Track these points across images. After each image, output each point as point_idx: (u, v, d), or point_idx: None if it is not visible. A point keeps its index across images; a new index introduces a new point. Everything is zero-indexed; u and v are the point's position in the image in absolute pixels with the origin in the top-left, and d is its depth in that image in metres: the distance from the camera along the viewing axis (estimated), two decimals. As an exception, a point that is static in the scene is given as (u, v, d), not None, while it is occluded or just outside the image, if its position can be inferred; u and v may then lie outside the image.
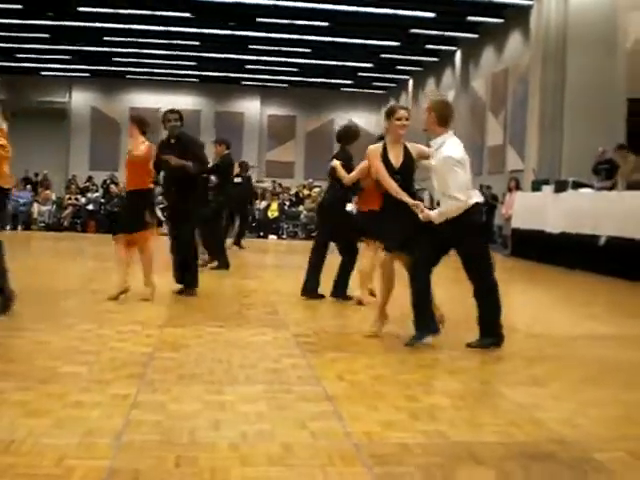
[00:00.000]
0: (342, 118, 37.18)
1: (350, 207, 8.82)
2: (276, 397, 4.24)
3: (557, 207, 14.89)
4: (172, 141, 8.42)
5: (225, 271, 11.46)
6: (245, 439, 3.50)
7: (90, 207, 23.39)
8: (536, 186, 16.86)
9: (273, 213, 23.71)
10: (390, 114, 6.21)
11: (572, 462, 3.40)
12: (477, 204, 5.97)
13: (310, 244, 9.11)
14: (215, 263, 11.74)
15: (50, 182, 26.16)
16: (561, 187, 15.10)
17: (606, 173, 15.19)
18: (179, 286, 8.53)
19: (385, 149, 6.17)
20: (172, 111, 8.64)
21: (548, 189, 15.65)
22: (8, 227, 21.72)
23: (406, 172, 6.13)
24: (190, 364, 4.98)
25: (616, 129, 17.79)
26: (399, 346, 5.79)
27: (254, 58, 31.58)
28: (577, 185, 14.93)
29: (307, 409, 4.02)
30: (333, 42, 28.27)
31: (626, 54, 17.80)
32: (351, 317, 7.55)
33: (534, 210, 16.05)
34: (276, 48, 29.61)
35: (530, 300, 10.38)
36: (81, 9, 24.44)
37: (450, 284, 9.05)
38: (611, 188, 14.52)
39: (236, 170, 14.22)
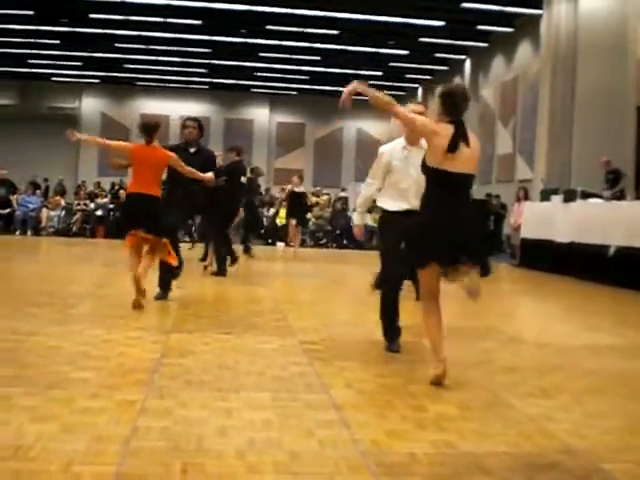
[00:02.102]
0: (351, 126, 37.31)
1: None
2: (283, 405, 4.24)
3: (566, 217, 14.86)
4: (192, 150, 8.45)
5: (223, 278, 11.41)
6: (252, 446, 3.50)
7: (99, 213, 23.47)
8: (545, 196, 16.84)
9: (282, 220, 23.71)
10: None
11: (580, 472, 3.39)
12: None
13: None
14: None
15: (65, 188, 26.27)
16: (570, 197, 15.09)
17: (612, 183, 15.26)
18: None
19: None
20: (192, 119, 8.81)
21: (557, 199, 15.63)
22: (18, 232, 21.82)
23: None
24: (197, 370, 4.98)
25: (626, 138, 17.76)
26: (407, 355, 5.78)
27: (264, 65, 31.65)
28: (586, 195, 14.91)
29: (314, 417, 4.02)
30: (343, 50, 28.32)
31: (636, 63, 17.76)
32: (359, 325, 7.54)
33: (543, 220, 16.02)
34: (286, 56, 29.69)
35: (538, 310, 10.36)
36: (92, 16, 24.57)
37: (459, 294, 9.03)
38: (620, 196, 14.55)
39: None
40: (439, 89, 5.24)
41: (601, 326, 8.55)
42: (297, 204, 18.08)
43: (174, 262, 7.95)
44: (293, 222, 18.61)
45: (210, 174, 8.25)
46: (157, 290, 8.41)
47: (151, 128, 7.87)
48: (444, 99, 5.10)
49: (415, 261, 5.06)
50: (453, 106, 5.10)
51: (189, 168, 8.03)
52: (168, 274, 8.39)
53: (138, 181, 7.87)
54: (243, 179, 12.46)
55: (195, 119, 8.86)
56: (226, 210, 12.08)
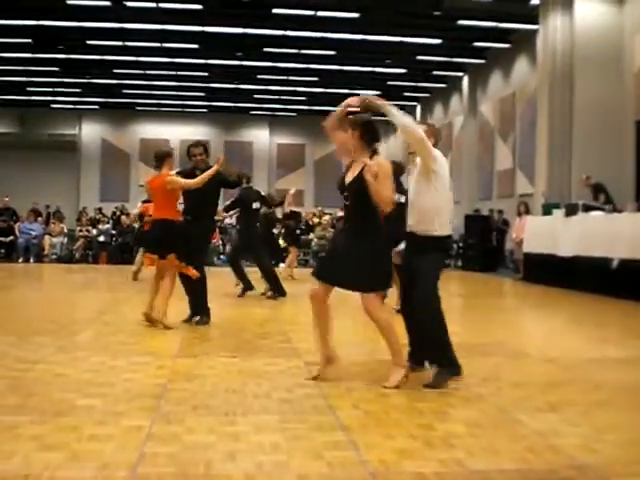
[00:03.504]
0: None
1: None
2: (291, 427, 4.22)
3: (568, 230, 14.85)
4: (197, 172, 8.55)
5: (282, 298, 12.03)
6: (261, 470, 3.48)
7: (101, 239, 23.47)
8: (547, 210, 16.84)
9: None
10: None
11: (591, 489, 3.37)
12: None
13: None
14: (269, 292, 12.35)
15: (63, 215, 26.32)
16: (572, 210, 15.09)
17: (594, 196, 15.47)
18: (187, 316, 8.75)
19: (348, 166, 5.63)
20: (196, 145, 8.93)
21: (559, 213, 15.63)
22: (20, 260, 21.82)
23: (350, 191, 5.43)
24: (204, 395, 4.97)
25: (625, 151, 17.79)
26: (413, 374, 5.75)
27: (262, 88, 31.80)
28: (588, 208, 14.92)
29: (322, 439, 4.00)
30: (340, 70, 28.45)
31: (633, 76, 17.82)
32: (363, 345, 7.52)
33: (545, 234, 16.02)
34: (284, 77, 29.82)
35: (543, 324, 10.33)
36: (90, 42, 24.71)
37: (465, 309, 9.04)
38: (609, 206, 14.71)
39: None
40: (355, 120, 5.46)
41: (607, 338, 8.52)
42: (289, 225, 17.89)
43: (193, 275, 8.26)
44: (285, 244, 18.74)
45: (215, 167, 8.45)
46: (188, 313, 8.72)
47: (159, 157, 8.38)
48: (368, 130, 5.41)
49: (387, 283, 5.56)
50: (377, 136, 5.44)
51: (189, 180, 8.29)
52: (199, 298, 8.66)
53: (155, 208, 8.58)
54: (255, 205, 12.49)
55: (199, 143, 9.00)
56: (245, 239, 12.34)
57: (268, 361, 6.26)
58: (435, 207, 5.56)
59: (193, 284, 8.55)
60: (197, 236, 8.60)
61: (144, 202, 14.77)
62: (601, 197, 15.34)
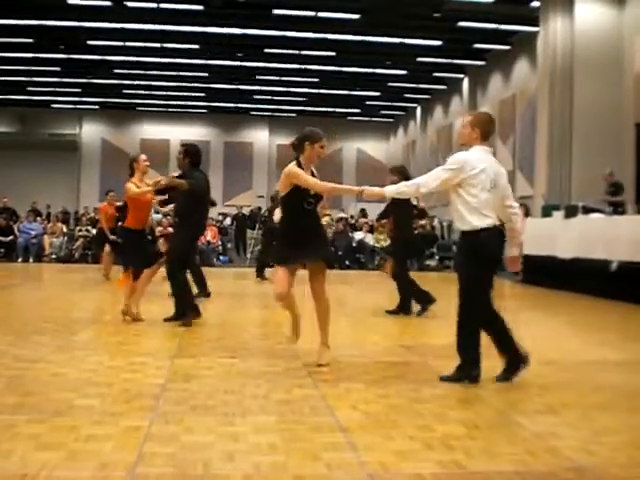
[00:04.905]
0: (350, 146, 37.39)
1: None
2: (289, 428, 4.22)
3: (568, 233, 14.83)
4: (182, 174, 8.79)
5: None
6: (259, 471, 3.48)
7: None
8: (547, 212, 16.83)
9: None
10: (315, 141, 6.45)
11: (590, 491, 3.36)
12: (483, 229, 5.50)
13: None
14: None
15: (69, 216, 26.34)
16: (571, 212, 15.06)
17: (612, 195, 15.33)
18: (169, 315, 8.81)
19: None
20: (180, 146, 9.21)
21: (558, 215, 15.61)
22: (20, 259, 21.82)
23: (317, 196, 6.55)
24: (202, 395, 4.96)
25: (625, 153, 17.78)
26: (413, 375, 5.75)
27: (262, 88, 31.81)
28: (587, 210, 14.90)
29: (321, 440, 3.99)
30: (340, 71, 28.45)
31: (634, 78, 17.82)
32: (363, 347, 7.51)
33: (545, 236, 15.99)
34: (284, 78, 29.83)
35: (542, 327, 10.31)
36: (90, 42, 24.72)
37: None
38: (620, 209, 14.59)
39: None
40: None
41: (606, 341, 8.51)
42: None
43: (118, 283, 8.93)
44: None
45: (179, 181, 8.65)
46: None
47: (129, 164, 8.76)
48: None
49: None
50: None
51: (134, 189, 8.46)
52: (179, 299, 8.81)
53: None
54: None
55: (181, 145, 9.21)
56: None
57: (267, 362, 6.26)
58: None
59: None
60: (180, 238, 8.88)
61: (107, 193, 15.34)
62: (622, 195, 15.26)
